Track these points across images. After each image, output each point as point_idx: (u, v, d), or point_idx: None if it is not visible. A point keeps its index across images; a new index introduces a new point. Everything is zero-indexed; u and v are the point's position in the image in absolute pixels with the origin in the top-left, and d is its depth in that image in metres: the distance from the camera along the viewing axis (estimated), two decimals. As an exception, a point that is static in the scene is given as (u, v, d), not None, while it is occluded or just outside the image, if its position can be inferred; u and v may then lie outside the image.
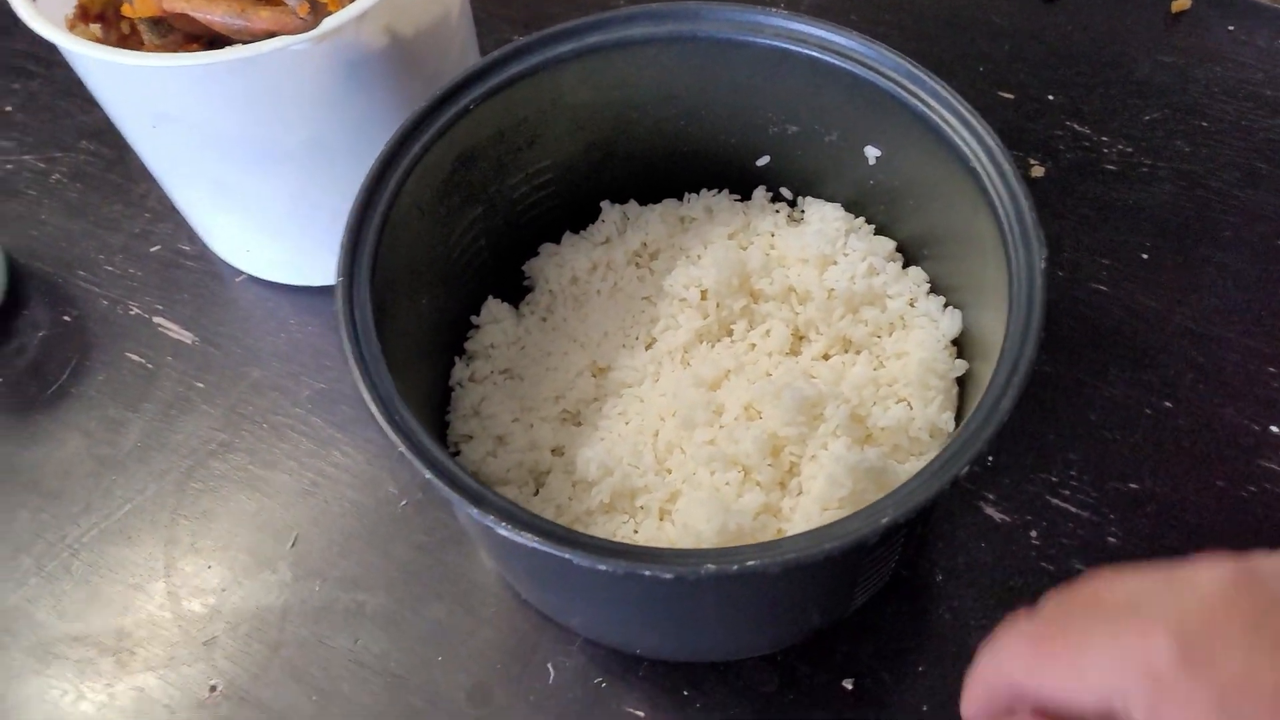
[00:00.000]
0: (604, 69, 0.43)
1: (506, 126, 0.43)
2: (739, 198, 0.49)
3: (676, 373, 0.43)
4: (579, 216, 0.48)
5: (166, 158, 0.47)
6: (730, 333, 0.44)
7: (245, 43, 0.39)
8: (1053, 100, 0.60)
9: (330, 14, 0.39)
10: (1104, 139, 0.58)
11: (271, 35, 0.39)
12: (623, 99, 0.45)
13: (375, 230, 0.37)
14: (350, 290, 0.36)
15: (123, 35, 0.43)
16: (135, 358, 0.52)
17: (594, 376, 0.44)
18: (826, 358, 0.44)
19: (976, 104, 0.39)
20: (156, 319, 0.53)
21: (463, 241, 0.44)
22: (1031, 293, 0.34)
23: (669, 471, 0.41)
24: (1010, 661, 0.25)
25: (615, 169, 0.47)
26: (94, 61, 0.39)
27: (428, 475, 0.32)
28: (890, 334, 0.44)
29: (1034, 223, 0.35)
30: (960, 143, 0.39)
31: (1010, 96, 0.60)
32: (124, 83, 0.42)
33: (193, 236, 0.56)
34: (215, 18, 0.38)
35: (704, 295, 0.44)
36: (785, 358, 0.43)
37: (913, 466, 0.40)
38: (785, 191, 0.48)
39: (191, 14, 0.39)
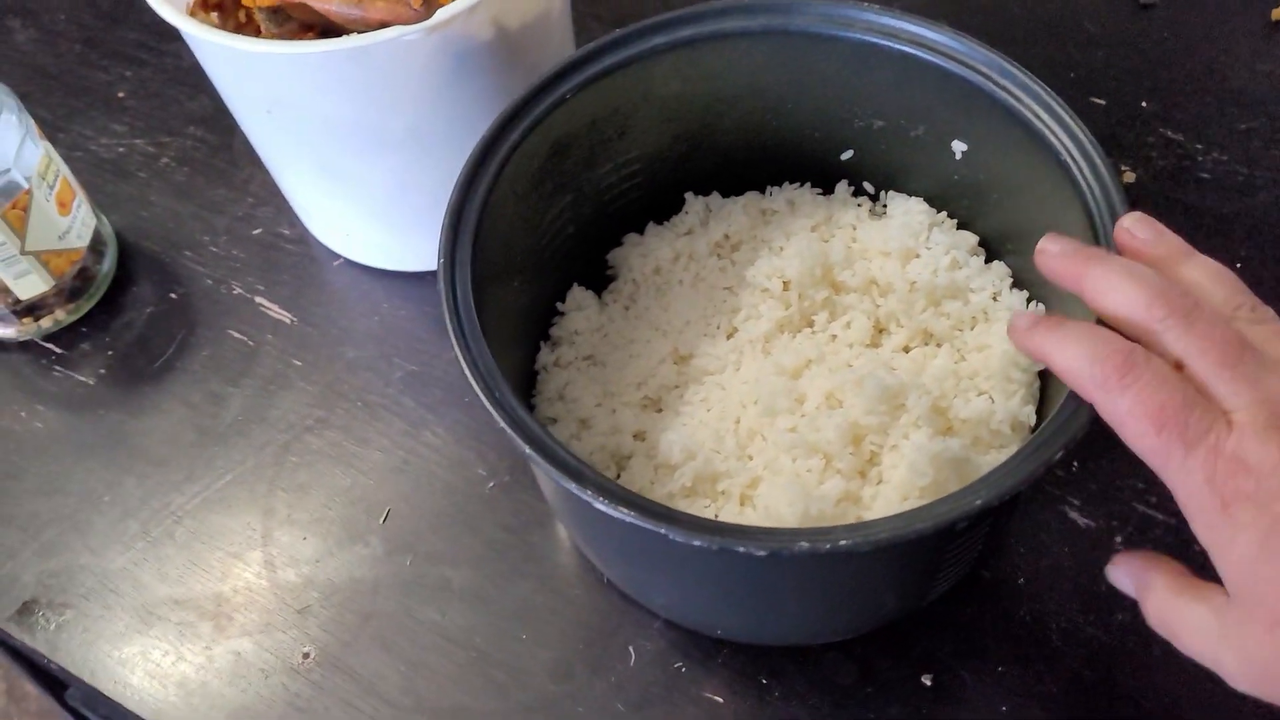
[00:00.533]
0: (696, 61, 0.44)
1: (600, 116, 0.44)
2: (821, 192, 0.49)
3: (758, 361, 0.43)
4: (663, 207, 0.49)
5: (277, 142, 0.49)
6: (811, 324, 0.45)
7: (359, 32, 0.41)
8: (1146, 107, 0.59)
9: (441, 6, 0.41)
10: (1198, 146, 0.57)
11: (385, 25, 0.40)
12: (711, 92, 0.45)
13: (475, 213, 0.38)
14: (452, 270, 0.37)
15: (239, 23, 0.45)
16: (237, 335, 0.54)
17: (675, 364, 0.45)
18: (907, 350, 0.44)
19: (1067, 110, 0.39)
20: (257, 299, 0.55)
21: (552, 229, 0.45)
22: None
23: (750, 457, 0.41)
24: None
25: (700, 161, 0.48)
26: (217, 48, 0.41)
27: (527, 450, 0.33)
28: (972, 327, 0.44)
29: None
30: (1051, 136, 0.39)
31: (1102, 103, 0.59)
32: (244, 69, 0.44)
33: (293, 221, 0.58)
34: (332, 7, 0.40)
35: (786, 286, 0.45)
36: (866, 349, 0.44)
37: (994, 459, 0.40)
38: (868, 185, 0.49)
39: (309, 3, 0.41)
